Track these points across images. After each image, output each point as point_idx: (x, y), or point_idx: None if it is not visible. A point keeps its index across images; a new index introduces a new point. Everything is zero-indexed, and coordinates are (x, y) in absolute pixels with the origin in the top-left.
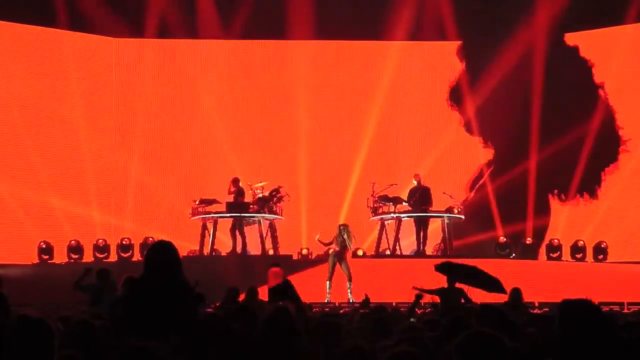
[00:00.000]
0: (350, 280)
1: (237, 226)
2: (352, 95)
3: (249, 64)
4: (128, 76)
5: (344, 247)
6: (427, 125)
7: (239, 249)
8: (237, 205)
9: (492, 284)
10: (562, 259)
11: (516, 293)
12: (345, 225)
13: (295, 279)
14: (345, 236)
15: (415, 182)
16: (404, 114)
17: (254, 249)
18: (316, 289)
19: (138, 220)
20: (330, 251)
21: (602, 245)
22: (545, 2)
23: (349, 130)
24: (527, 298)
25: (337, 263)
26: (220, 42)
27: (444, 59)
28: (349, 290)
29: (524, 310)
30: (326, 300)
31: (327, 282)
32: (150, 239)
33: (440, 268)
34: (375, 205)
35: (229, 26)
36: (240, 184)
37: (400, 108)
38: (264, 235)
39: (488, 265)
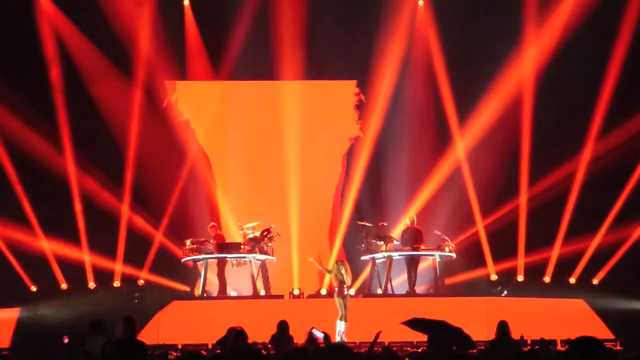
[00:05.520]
0: (345, 319)
1: (218, 268)
2: (343, 135)
3: (237, 103)
4: None
5: (341, 283)
6: (420, 164)
7: (224, 291)
8: (226, 246)
9: (460, 338)
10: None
11: (503, 326)
12: (341, 261)
13: (294, 322)
14: (343, 271)
15: (408, 223)
16: (395, 154)
17: (245, 290)
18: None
19: (128, 262)
20: (335, 291)
21: None
22: (532, 42)
23: (339, 170)
24: (518, 335)
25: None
26: (210, 83)
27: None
28: (343, 331)
29: (513, 344)
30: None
31: (338, 321)
32: (141, 281)
33: (408, 324)
34: (366, 244)
35: (219, 67)
36: (218, 231)
37: (390, 148)
38: (256, 275)
39: (480, 303)
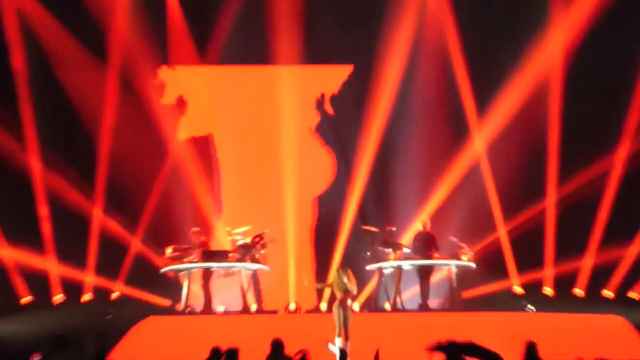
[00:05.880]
0: (347, 337)
1: (203, 280)
2: (347, 124)
3: (227, 91)
4: None
5: (346, 293)
6: (433, 160)
7: (209, 306)
8: (213, 254)
9: (490, 358)
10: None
11: (531, 348)
12: (343, 268)
13: (290, 340)
14: (345, 280)
15: (420, 227)
16: (404, 149)
17: (235, 304)
18: (315, 350)
19: (101, 273)
20: (336, 303)
21: None
22: (560, 24)
23: (342, 166)
24: (547, 358)
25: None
26: (195, 68)
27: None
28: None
29: None
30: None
31: (337, 339)
32: (116, 294)
33: (436, 349)
34: (372, 251)
35: (205, 51)
36: (202, 237)
37: (399, 143)
38: (246, 287)
39: (501, 320)
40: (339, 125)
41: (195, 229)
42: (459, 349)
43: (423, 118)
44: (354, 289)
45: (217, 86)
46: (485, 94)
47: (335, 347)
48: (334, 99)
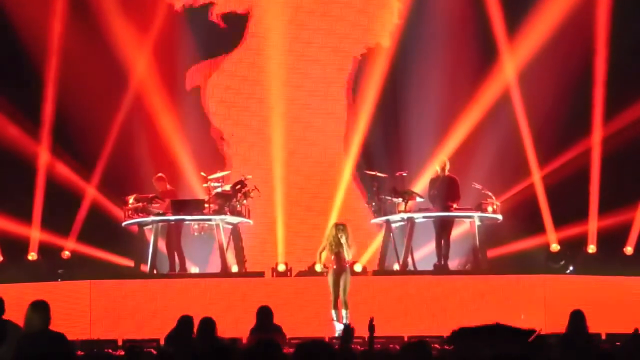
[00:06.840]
0: (346, 306)
1: (171, 235)
2: (345, 43)
3: None
4: None
5: (338, 255)
6: (454, 90)
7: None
8: (184, 204)
9: (526, 338)
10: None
11: (577, 317)
12: (342, 225)
13: (279, 308)
14: (343, 240)
15: (438, 169)
16: (420, 77)
17: (212, 265)
18: (309, 319)
19: (49, 228)
20: (329, 266)
21: None
22: None
23: (343, 98)
24: (591, 328)
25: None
26: None
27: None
28: (344, 321)
29: (592, 342)
30: (337, 335)
31: (333, 311)
32: (67, 253)
33: (449, 342)
34: (378, 201)
35: None
36: (167, 185)
37: (415, 62)
38: (225, 245)
39: (535, 284)
40: (336, 38)
41: (159, 174)
42: (482, 336)
43: (443, 37)
44: (349, 254)
45: None
46: (517, 8)
47: (339, 324)
48: (330, 12)
